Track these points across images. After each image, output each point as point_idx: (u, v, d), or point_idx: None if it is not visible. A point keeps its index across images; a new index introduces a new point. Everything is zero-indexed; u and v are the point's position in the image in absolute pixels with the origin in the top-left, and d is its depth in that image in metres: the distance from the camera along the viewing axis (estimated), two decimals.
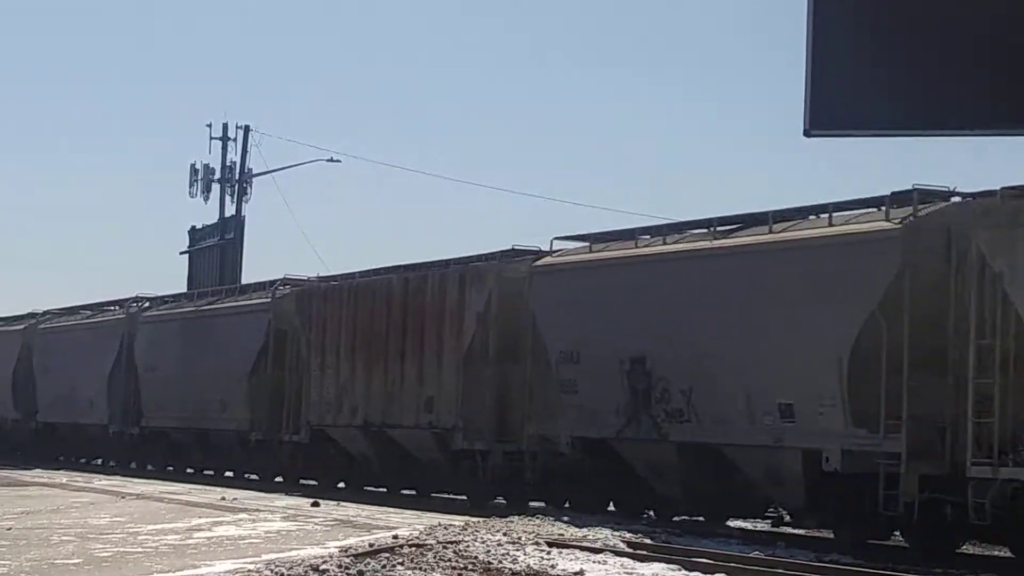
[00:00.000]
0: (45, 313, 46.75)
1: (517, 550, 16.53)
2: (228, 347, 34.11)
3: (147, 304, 40.00)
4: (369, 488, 29.91)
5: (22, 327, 46.51)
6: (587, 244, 24.86)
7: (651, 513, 23.85)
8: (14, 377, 45.65)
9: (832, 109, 9.41)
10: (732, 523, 23.12)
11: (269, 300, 33.16)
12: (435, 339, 27.09)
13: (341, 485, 30.71)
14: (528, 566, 15.36)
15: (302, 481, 32.05)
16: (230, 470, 35.66)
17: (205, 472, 36.46)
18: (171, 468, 37.54)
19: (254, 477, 33.95)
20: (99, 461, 42.45)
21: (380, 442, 28.92)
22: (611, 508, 24.36)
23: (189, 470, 37.32)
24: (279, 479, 32.86)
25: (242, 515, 22.98)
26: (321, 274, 33.35)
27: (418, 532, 18.83)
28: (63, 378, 42.36)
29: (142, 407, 38.28)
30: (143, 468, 38.79)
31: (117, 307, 41.99)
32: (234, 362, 33.61)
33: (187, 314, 37.28)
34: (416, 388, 27.38)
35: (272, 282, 33.98)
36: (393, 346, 28.26)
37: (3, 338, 47.58)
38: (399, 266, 29.59)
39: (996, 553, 19.47)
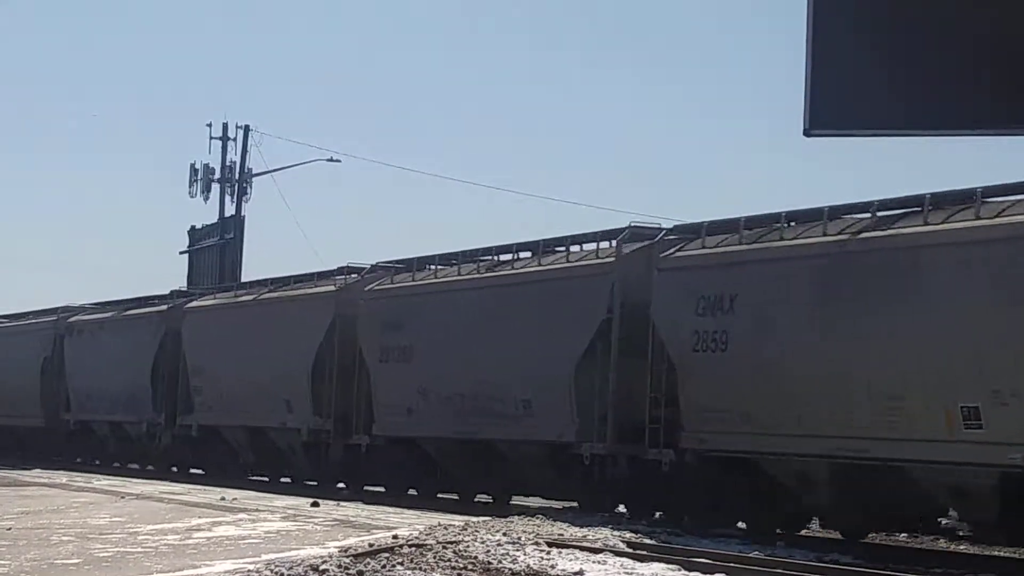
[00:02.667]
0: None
1: (517, 550, 16.52)
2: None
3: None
4: None
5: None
6: None
7: None
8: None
9: (832, 109, 9.41)
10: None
11: None
12: None
13: None
14: (528, 566, 15.35)
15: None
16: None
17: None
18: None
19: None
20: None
21: None
22: None
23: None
24: None
25: (241, 515, 22.97)
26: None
27: (418, 532, 18.83)
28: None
29: (683, 421, 21.42)
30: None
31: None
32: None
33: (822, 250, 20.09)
34: None
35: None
36: None
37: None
38: None
39: (997, 553, 19.48)
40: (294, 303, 32.05)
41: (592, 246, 24.49)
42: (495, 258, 27.30)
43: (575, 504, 24.57)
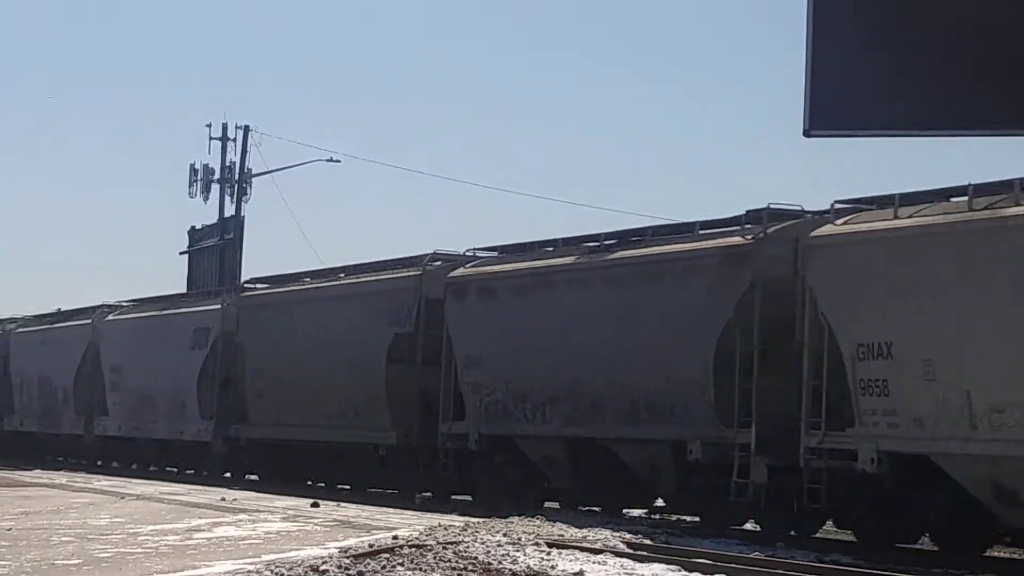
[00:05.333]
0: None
1: (517, 551, 16.53)
2: None
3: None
4: None
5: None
6: None
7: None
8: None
9: (832, 109, 9.42)
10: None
11: None
12: None
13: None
14: (528, 567, 15.35)
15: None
16: None
17: None
18: None
19: None
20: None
21: None
22: None
23: None
24: None
25: (242, 516, 22.97)
26: None
27: (418, 533, 18.82)
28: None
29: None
30: None
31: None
32: None
33: None
34: None
35: None
36: None
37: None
38: None
39: (997, 553, 19.48)
40: None
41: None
42: None
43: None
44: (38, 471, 38.00)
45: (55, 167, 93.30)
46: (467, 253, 27.60)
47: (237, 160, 52.08)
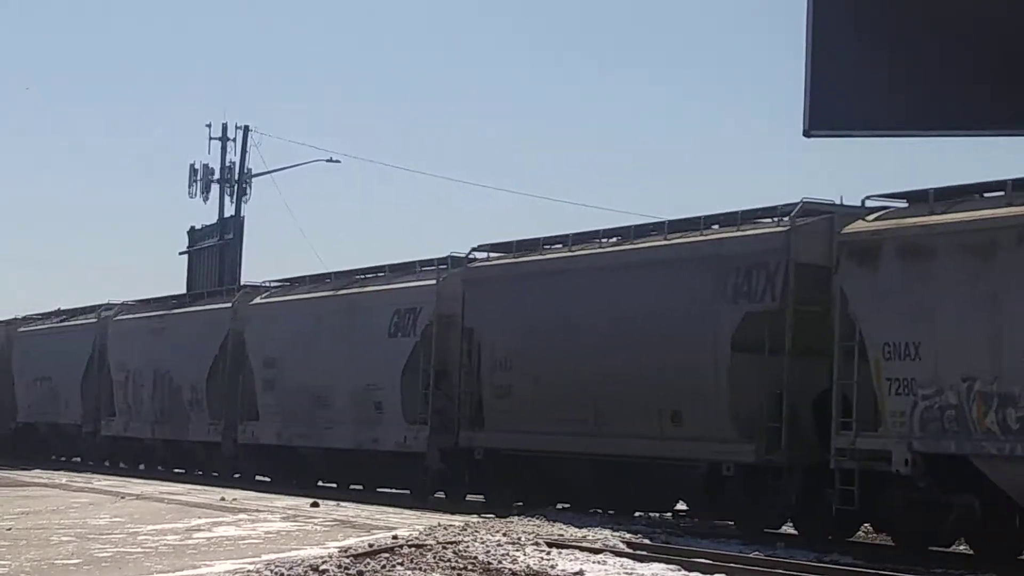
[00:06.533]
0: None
1: (517, 550, 16.53)
2: None
3: None
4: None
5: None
6: None
7: None
8: None
9: (832, 109, 9.43)
10: None
11: None
12: None
13: None
14: (528, 566, 15.36)
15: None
16: None
17: None
18: None
19: None
20: None
21: None
22: None
23: None
24: None
25: (241, 515, 22.97)
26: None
27: (418, 532, 18.83)
28: None
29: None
30: None
31: None
32: None
33: None
34: None
35: None
36: None
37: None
38: None
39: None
40: None
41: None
42: None
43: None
44: (38, 471, 37.97)
45: (55, 167, 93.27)
46: (865, 203, 19.63)
47: (237, 160, 52.09)
